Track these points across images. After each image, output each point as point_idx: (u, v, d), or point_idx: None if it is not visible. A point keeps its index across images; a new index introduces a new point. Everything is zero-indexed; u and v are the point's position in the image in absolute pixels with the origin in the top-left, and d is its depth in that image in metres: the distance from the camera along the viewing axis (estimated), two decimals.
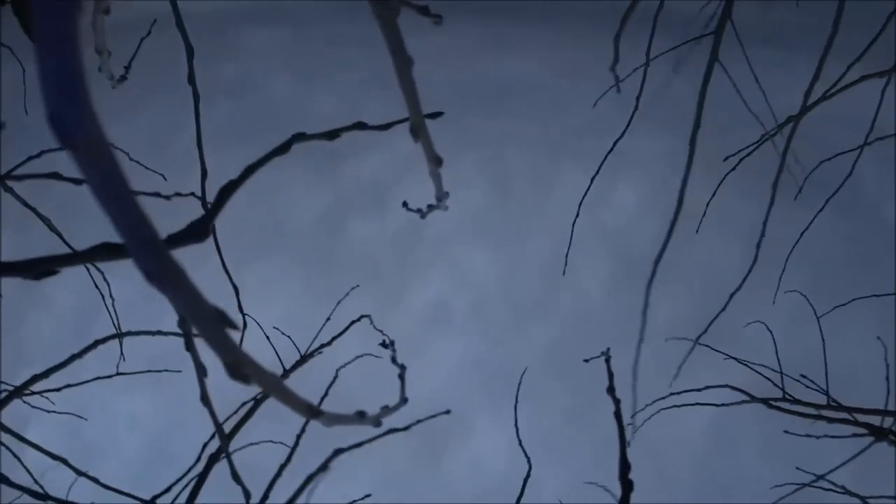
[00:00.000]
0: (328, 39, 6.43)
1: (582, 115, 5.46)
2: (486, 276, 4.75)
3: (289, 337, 2.36)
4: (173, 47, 1.89)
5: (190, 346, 1.14)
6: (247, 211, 4.44)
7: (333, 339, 2.19)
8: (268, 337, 2.40)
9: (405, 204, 1.56)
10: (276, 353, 2.25)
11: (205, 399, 1.20)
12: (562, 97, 5.81)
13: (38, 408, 2.66)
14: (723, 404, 2.40)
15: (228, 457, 1.36)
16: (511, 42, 6.35)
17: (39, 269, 0.61)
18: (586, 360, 2.16)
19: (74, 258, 0.71)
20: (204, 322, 0.43)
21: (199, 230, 0.63)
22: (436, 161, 1.10)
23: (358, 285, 2.79)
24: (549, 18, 6.55)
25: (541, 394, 4.14)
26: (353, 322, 2.33)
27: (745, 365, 2.41)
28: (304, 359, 2.09)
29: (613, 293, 4.55)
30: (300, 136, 0.87)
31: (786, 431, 2.43)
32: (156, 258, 0.40)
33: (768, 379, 2.35)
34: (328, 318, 2.42)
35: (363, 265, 4.55)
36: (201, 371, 1.01)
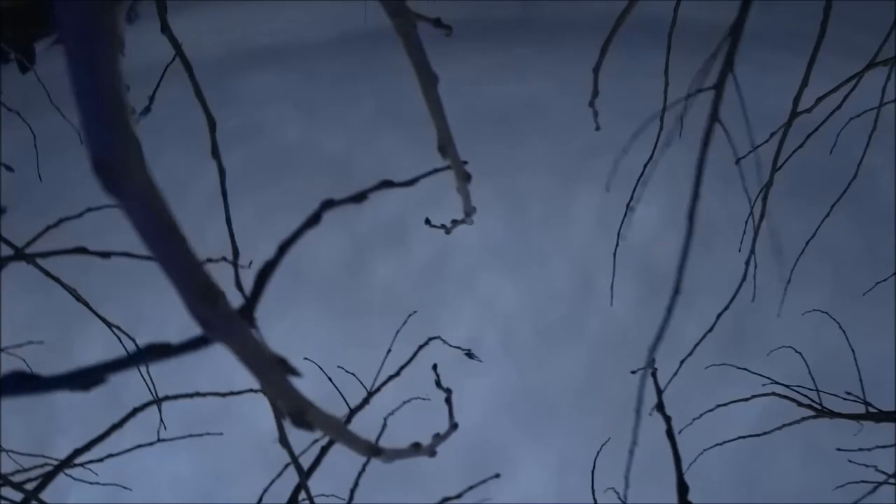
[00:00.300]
0: (333, 77, 6.47)
1: (592, 135, 5.44)
2: (513, 306, 4.72)
3: (354, 375, 2.33)
4: (181, 95, 1.88)
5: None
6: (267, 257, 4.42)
7: (401, 368, 2.13)
8: (331, 379, 2.39)
9: (428, 221, 1.53)
10: (342, 394, 2.22)
11: (284, 441, 1.21)
12: (570, 117, 5.81)
13: (80, 480, 2.64)
14: (765, 432, 2.34)
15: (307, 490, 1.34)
16: (517, 65, 6.37)
17: (88, 380, 0.59)
18: (633, 372, 2.11)
19: (124, 364, 0.69)
20: (266, 370, 0.41)
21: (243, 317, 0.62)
22: (464, 176, 1.09)
23: (416, 311, 2.75)
24: (552, 39, 6.57)
25: (579, 419, 4.09)
26: (421, 346, 2.28)
27: (773, 381, 2.36)
28: (370, 395, 2.05)
29: (641, 312, 4.51)
30: (329, 204, 0.86)
31: (839, 449, 2.38)
32: (214, 308, 0.38)
33: (803, 388, 2.30)
34: (389, 350, 2.38)
35: (390, 305, 4.53)
36: (279, 413, 1.01)
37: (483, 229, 4.87)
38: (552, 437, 4.00)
